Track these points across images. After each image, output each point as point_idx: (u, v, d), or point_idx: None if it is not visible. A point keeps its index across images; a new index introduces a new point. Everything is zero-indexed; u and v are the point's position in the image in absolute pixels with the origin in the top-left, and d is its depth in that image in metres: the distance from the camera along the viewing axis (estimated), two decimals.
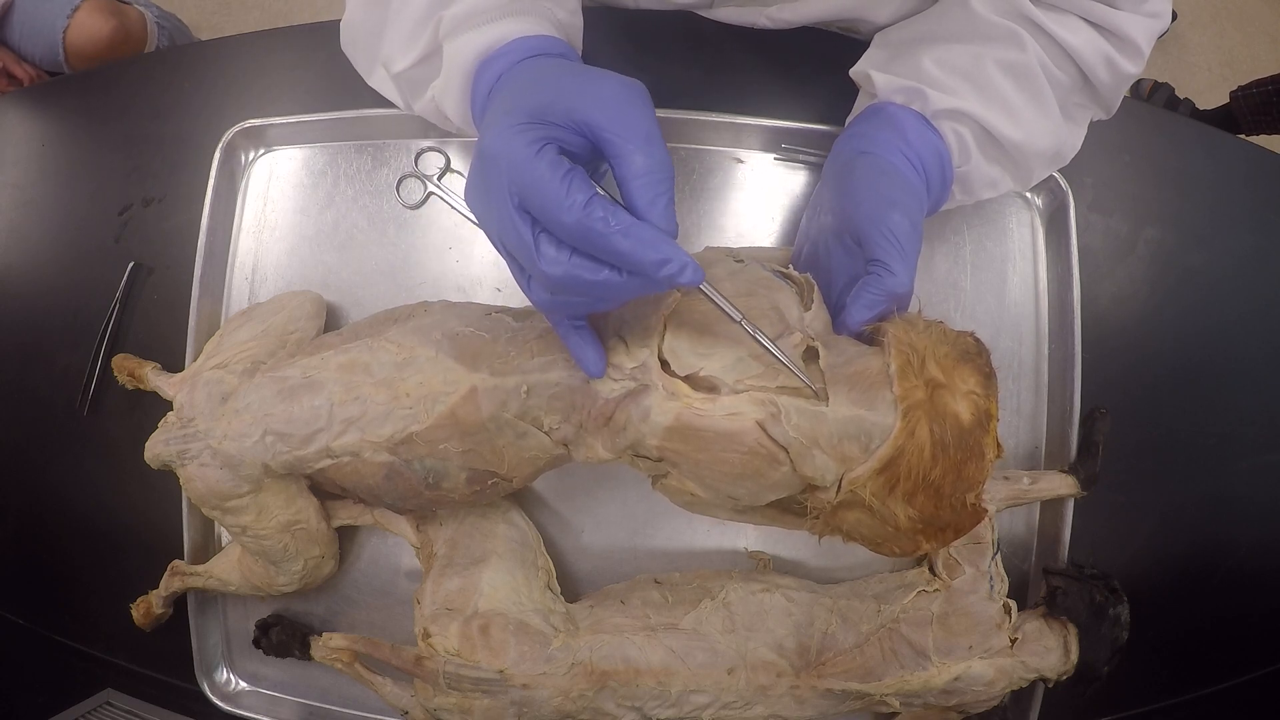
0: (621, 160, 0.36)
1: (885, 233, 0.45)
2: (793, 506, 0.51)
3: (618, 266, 0.36)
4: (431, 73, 0.49)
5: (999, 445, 0.43)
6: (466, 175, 0.40)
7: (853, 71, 0.57)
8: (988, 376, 0.43)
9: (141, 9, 1.24)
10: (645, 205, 0.36)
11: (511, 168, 0.36)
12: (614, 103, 0.37)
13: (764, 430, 0.42)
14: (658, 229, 0.35)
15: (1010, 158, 0.52)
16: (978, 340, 0.44)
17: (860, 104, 0.57)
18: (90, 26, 1.14)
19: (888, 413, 0.42)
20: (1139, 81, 1.62)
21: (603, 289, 0.37)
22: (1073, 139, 0.54)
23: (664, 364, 0.44)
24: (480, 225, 0.39)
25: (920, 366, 0.42)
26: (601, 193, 0.36)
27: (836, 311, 0.47)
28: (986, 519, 0.54)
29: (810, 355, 0.44)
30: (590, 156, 0.38)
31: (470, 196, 0.39)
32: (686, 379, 0.43)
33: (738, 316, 0.41)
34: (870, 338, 0.46)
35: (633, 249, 0.35)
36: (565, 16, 0.50)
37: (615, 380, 0.44)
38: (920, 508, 0.42)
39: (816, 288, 0.47)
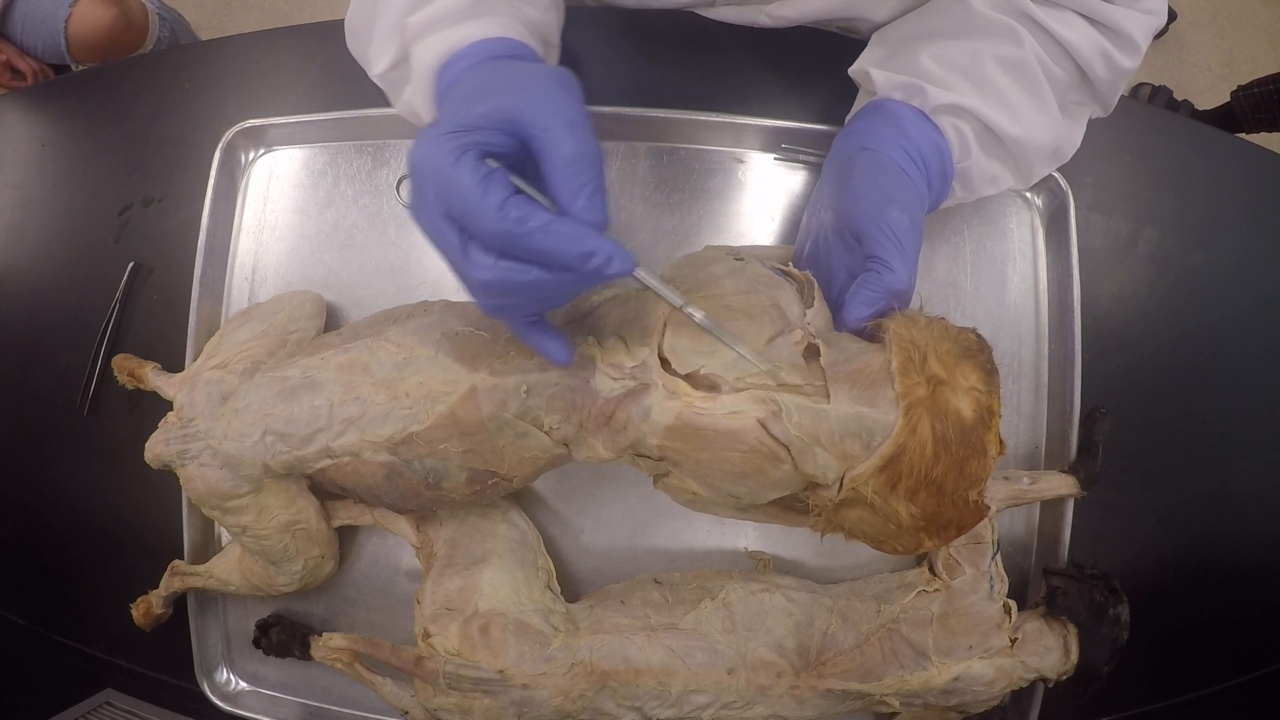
0: (545, 153, 0.36)
1: (884, 229, 0.45)
2: (795, 504, 0.51)
3: (545, 264, 0.36)
4: (405, 76, 0.50)
5: (1001, 442, 0.43)
6: None
7: (852, 70, 0.57)
8: (989, 373, 0.43)
9: None
10: (569, 197, 0.35)
11: (434, 177, 0.36)
12: (537, 94, 0.37)
13: (765, 429, 0.42)
14: (579, 222, 0.35)
15: (1010, 153, 0.52)
16: (979, 336, 0.44)
17: (860, 102, 0.57)
18: (92, 16, 1.15)
19: (889, 410, 0.41)
20: (1138, 87, 1.62)
21: (537, 289, 0.36)
22: (1072, 136, 0.54)
23: (664, 363, 0.44)
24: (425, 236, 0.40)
25: (922, 363, 0.42)
26: (524, 191, 0.36)
27: (837, 308, 0.47)
28: (987, 518, 0.54)
29: (811, 353, 0.44)
30: (522, 156, 0.38)
31: (410, 209, 0.40)
32: (687, 378, 0.43)
33: (679, 302, 0.41)
34: (872, 335, 0.46)
35: (554, 246, 0.35)
36: (536, 14, 0.50)
37: (615, 379, 0.44)
38: (922, 505, 0.42)
39: (817, 285, 0.47)
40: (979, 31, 0.51)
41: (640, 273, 0.39)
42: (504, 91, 0.37)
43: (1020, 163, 0.53)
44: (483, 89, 0.39)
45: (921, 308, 0.47)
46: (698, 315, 0.41)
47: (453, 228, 0.36)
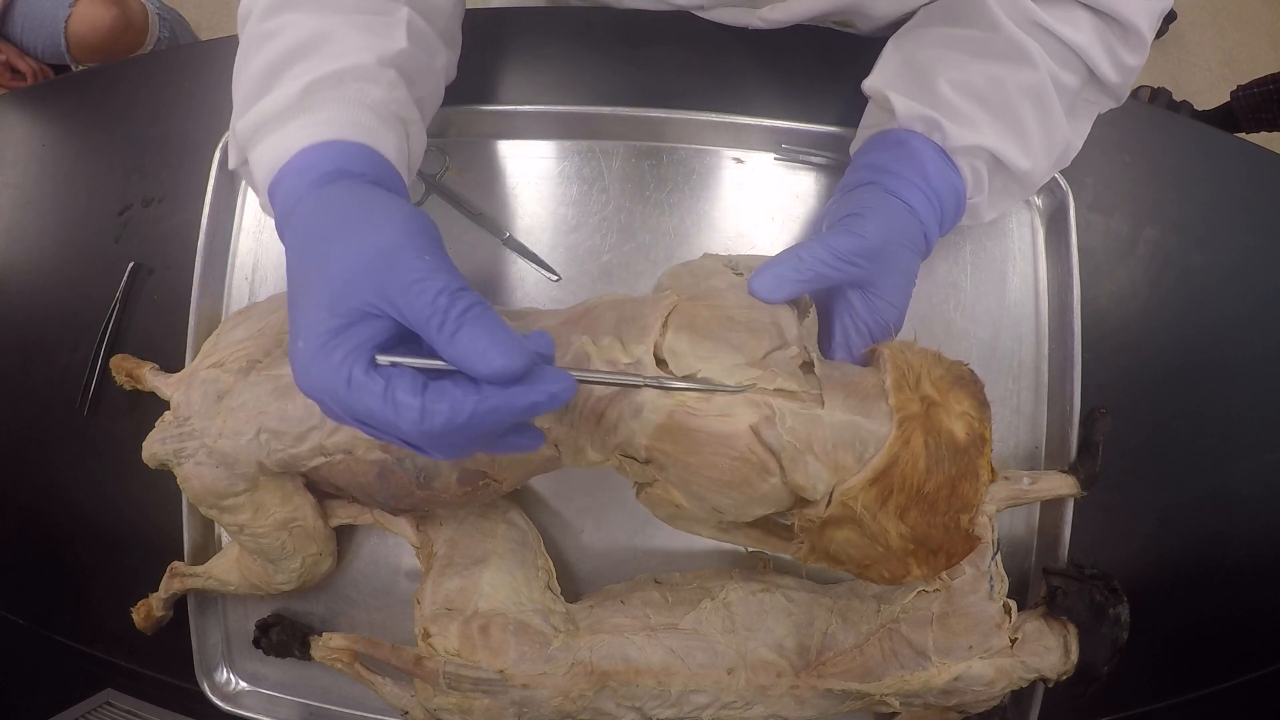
0: (421, 330, 0.34)
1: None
2: (778, 530, 0.51)
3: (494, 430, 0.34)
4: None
5: (993, 470, 0.43)
6: None
7: (866, 86, 0.55)
8: (982, 403, 0.43)
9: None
10: (477, 362, 0.32)
11: (336, 403, 0.34)
12: (376, 267, 0.34)
13: (757, 435, 0.41)
14: (501, 382, 0.33)
15: (1017, 182, 0.53)
16: (972, 371, 0.45)
17: (872, 116, 0.56)
18: (92, 16, 1.15)
19: (883, 422, 0.42)
20: (1138, 89, 1.62)
21: (492, 429, 0.34)
22: (1075, 140, 0.54)
23: (662, 364, 0.44)
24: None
25: (915, 383, 0.43)
26: (428, 372, 0.34)
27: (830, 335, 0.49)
28: (987, 517, 0.54)
29: (807, 369, 0.44)
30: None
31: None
32: (683, 380, 0.43)
33: (640, 383, 0.41)
34: (865, 361, 0.47)
35: (496, 420, 0.33)
36: (379, 93, 0.44)
37: None
38: (913, 524, 0.42)
39: (814, 305, 0.48)
40: (994, 51, 0.50)
41: (580, 383, 0.36)
42: (345, 270, 0.34)
43: (1025, 188, 0.54)
44: (325, 264, 0.36)
45: (915, 338, 0.48)
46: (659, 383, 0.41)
47: (379, 430, 0.35)
